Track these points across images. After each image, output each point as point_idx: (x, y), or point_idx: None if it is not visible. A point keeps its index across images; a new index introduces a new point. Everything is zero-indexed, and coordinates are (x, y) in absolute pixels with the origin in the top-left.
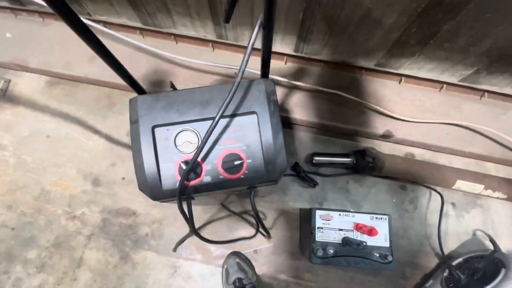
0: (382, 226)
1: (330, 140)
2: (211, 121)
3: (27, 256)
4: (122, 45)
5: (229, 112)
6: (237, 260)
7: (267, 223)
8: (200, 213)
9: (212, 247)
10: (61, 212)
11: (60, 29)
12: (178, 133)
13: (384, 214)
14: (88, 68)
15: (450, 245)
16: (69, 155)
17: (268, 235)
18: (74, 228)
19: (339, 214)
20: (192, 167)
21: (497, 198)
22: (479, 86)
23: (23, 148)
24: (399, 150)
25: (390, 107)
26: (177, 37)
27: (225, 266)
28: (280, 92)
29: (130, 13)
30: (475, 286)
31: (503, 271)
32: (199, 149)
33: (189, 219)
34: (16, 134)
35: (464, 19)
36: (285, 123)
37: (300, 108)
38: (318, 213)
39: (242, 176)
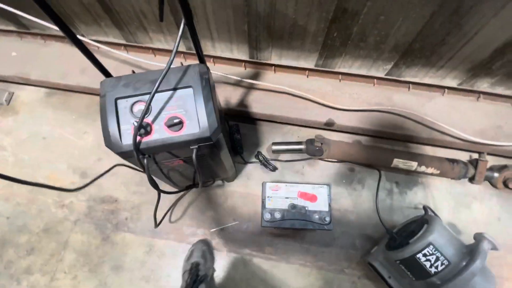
0: (322, 194)
1: (290, 131)
2: (157, 92)
3: (19, 241)
4: (110, 59)
5: (171, 86)
6: (204, 247)
7: (234, 204)
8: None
9: (184, 227)
10: (51, 202)
11: (58, 48)
12: (134, 103)
13: (325, 184)
14: (80, 78)
15: (395, 219)
16: (61, 152)
17: (202, 186)
18: (63, 215)
19: (286, 185)
20: (141, 123)
21: (432, 174)
22: (403, 79)
23: (21, 148)
24: (347, 138)
25: (332, 100)
26: (154, 50)
27: (192, 248)
28: (240, 92)
29: (115, 33)
30: (404, 241)
31: (425, 226)
32: (145, 109)
33: (146, 170)
34: (16, 137)
35: (366, 22)
36: (247, 118)
37: (257, 103)
38: (268, 185)
39: (183, 133)
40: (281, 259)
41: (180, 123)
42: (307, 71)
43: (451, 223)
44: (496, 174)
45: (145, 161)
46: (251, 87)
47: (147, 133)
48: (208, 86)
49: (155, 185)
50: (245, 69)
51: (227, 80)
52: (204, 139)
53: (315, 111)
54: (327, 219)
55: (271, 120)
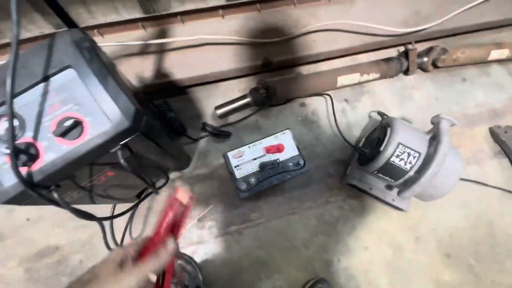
0: (286, 140)
1: (228, 88)
2: (20, 94)
3: None
4: None
5: (38, 77)
6: (179, 261)
7: (201, 190)
8: None
9: None
10: None
11: None
12: None
13: (285, 129)
14: None
15: (356, 133)
16: None
17: (155, 189)
18: None
19: (249, 147)
20: (14, 147)
21: (374, 79)
22: None
23: None
24: (289, 74)
25: (258, 36)
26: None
27: None
28: (151, 60)
29: None
30: (375, 152)
31: (389, 130)
32: (10, 126)
33: (63, 206)
34: None
35: None
36: (174, 90)
37: (178, 68)
38: (230, 154)
39: (88, 137)
40: (270, 218)
41: (77, 124)
42: (220, 10)
43: (402, 117)
44: (425, 59)
45: (55, 195)
46: (162, 51)
47: (34, 157)
48: (95, 57)
49: (88, 216)
50: (145, 30)
51: (127, 51)
52: (125, 132)
53: (246, 55)
54: (301, 161)
55: (202, 82)
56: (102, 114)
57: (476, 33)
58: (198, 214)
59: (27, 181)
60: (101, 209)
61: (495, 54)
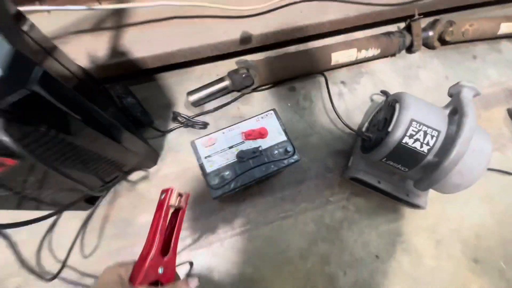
0: (271, 123)
1: (204, 72)
2: None
3: None
4: None
5: None
6: None
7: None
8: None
9: (110, 255)
10: None
11: None
12: None
13: (268, 110)
14: None
15: (357, 119)
16: None
17: (93, 190)
18: None
19: (223, 133)
20: None
21: (373, 56)
22: None
23: None
24: (269, 54)
25: (235, 4)
26: None
27: None
28: (106, 37)
29: None
30: (382, 134)
31: (397, 106)
32: None
33: None
34: None
35: None
36: (138, 74)
37: (140, 44)
38: (199, 142)
39: None
40: (257, 225)
41: None
42: None
43: None
44: (430, 33)
45: None
46: (119, 26)
47: None
48: None
49: None
50: (100, 3)
51: (77, 27)
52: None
53: (221, 28)
54: (289, 148)
55: (172, 65)
56: None
57: (483, 8)
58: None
59: None
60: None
61: (505, 28)
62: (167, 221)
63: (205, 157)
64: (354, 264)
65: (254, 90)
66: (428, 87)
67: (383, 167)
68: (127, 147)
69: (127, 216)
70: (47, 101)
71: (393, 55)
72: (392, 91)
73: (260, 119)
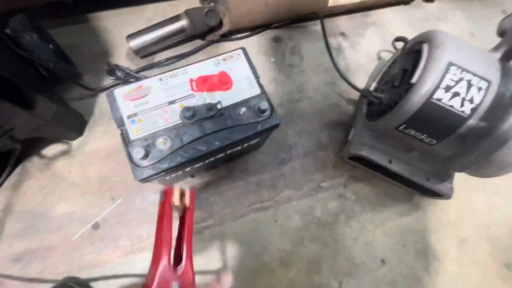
0: (238, 68)
1: (155, 13)
2: None
3: None
4: None
5: None
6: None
7: (100, 171)
8: None
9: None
10: None
11: None
12: None
13: (234, 50)
14: None
15: (359, 83)
16: None
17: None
18: None
19: (160, 79)
20: None
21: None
22: None
23: None
24: None
25: None
26: None
27: None
28: None
29: None
30: (400, 90)
31: (425, 46)
32: None
33: None
34: None
35: None
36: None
37: None
38: (118, 93)
39: None
40: (224, 219)
41: None
42: None
43: None
44: None
45: None
46: None
47: None
48: None
49: None
50: None
51: None
52: None
53: None
54: (264, 106)
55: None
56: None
57: None
58: (95, 215)
59: None
60: None
61: None
62: (171, 227)
63: (128, 117)
64: (353, 272)
65: (224, 37)
66: None
67: (398, 140)
68: (37, 113)
69: (39, 206)
70: None
71: (407, 2)
72: None
73: (222, 61)
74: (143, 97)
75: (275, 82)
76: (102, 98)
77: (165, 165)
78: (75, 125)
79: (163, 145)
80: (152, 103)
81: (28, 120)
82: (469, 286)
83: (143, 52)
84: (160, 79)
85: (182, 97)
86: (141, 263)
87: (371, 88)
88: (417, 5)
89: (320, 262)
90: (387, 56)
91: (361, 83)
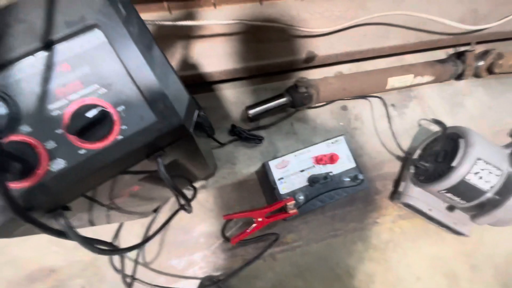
0: (341, 149)
1: (258, 88)
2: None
3: None
4: None
5: (42, 41)
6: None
7: (228, 202)
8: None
9: (172, 261)
10: None
11: None
12: None
13: (338, 136)
14: None
15: (404, 144)
16: None
17: (189, 206)
18: None
19: (295, 156)
20: (1, 154)
21: (427, 82)
22: None
23: None
24: (327, 72)
25: (302, 26)
26: None
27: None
28: (177, 48)
29: None
30: (443, 167)
31: (462, 141)
32: None
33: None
34: None
35: None
36: (199, 86)
37: (208, 58)
38: (272, 163)
39: (120, 137)
40: (308, 241)
41: (104, 116)
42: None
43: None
44: (480, 63)
45: (62, 221)
46: (189, 36)
47: (33, 165)
48: (136, 16)
49: (98, 250)
50: (170, 12)
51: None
52: (174, 131)
53: (288, 47)
54: (360, 176)
55: (233, 78)
56: (142, 102)
57: None
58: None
59: (20, 206)
60: (102, 229)
61: None
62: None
63: (278, 179)
64: (397, 284)
65: (309, 107)
66: (473, 115)
67: (440, 197)
68: (207, 160)
69: (186, 225)
70: (194, 139)
71: (442, 81)
72: (439, 117)
73: (330, 144)
74: (285, 167)
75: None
76: (226, 149)
77: (302, 212)
78: (213, 168)
79: (299, 198)
80: (291, 171)
81: (204, 169)
82: None
83: (255, 118)
84: (295, 155)
85: (307, 168)
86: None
87: (416, 155)
88: (448, 83)
89: (375, 276)
90: (425, 124)
91: (406, 144)
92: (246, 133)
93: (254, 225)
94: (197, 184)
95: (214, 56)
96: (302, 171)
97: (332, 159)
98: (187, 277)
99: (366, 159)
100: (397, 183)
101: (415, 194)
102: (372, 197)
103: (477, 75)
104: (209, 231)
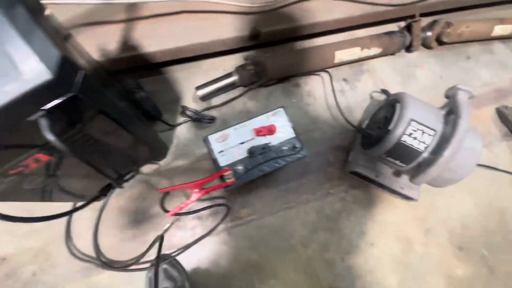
0: (280, 120)
1: (211, 67)
2: None
3: None
4: None
5: None
6: (165, 266)
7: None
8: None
9: (125, 245)
10: None
11: None
12: None
13: (278, 108)
14: None
15: (357, 116)
16: None
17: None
18: None
19: (235, 129)
20: None
21: (375, 55)
22: None
23: None
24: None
25: (244, 1)
26: None
27: (149, 275)
28: (118, 29)
29: None
30: (383, 133)
31: (398, 106)
32: None
33: None
34: None
35: None
36: (147, 69)
37: (150, 39)
38: (212, 137)
39: None
40: (262, 215)
41: None
42: None
43: None
44: (429, 33)
45: None
46: (130, 19)
47: None
48: None
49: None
50: None
51: (87, 18)
52: (47, 91)
53: (231, 24)
54: (297, 145)
55: (180, 59)
56: (6, 60)
57: (477, 9)
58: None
59: None
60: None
61: (498, 30)
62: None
63: (219, 152)
64: (351, 251)
65: (260, 85)
66: (425, 85)
67: (382, 162)
68: (145, 142)
69: (138, 207)
70: (85, 102)
71: (393, 54)
72: (391, 88)
73: (270, 116)
74: (225, 140)
75: (295, 116)
76: (178, 131)
77: (241, 182)
78: (162, 150)
79: (239, 169)
80: (231, 144)
81: (149, 151)
82: (432, 262)
83: (205, 98)
84: (235, 128)
85: (248, 140)
86: (209, 244)
87: (364, 125)
88: (400, 56)
89: (329, 245)
90: (377, 96)
91: (358, 116)
92: (197, 114)
93: (192, 197)
94: (148, 167)
95: (155, 36)
96: (242, 143)
97: (270, 130)
98: (142, 258)
99: (318, 133)
100: (348, 155)
101: (362, 162)
102: (325, 169)
103: (427, 46)
104: (162, 212)
